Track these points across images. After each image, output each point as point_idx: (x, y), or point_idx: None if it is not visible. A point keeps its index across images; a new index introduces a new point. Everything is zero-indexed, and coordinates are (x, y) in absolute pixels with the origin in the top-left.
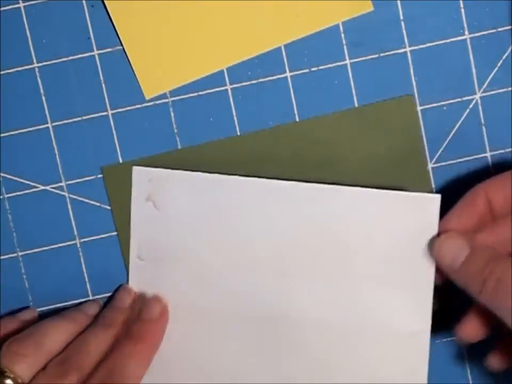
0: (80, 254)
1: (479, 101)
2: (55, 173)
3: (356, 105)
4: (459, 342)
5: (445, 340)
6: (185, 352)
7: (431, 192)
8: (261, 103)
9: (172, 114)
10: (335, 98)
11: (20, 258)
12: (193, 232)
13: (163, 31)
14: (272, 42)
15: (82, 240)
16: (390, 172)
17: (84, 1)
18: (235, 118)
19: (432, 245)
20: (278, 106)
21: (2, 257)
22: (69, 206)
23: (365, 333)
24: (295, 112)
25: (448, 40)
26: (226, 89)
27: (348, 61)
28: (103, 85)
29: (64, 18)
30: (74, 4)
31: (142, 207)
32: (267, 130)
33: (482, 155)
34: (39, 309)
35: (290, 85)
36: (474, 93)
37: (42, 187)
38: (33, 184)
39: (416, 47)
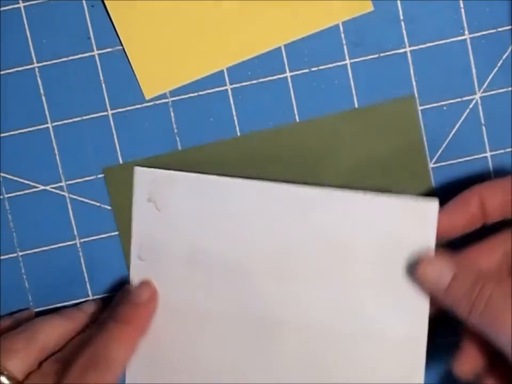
0: (80, 254)
1: (479, 101)
2: (55, 173)
3: (356, 105)
4: (459, 378)
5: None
6: (183, 353)
7: (432, 192)
8: (261, 103)
9: (172, 114)
10: (335, 98)
11: (20, 258)
12: (193, 234)
13: (163, 31)
14: (272, 42)
15: (82, 240)
16: (391, 172)
17: (83, 1)
18: (235, 118)
19: (416, 269)
20: (278, 106)
21: (2, 257)
22: (69, 206)
23: (362, 338)
24: (295, 112)
25: (448, 40)
26: (226, 89)
27: (347, 61)
28: (103, 85)
29: (64, 18)
30: (74, 3)
31: (143, 208)
32: (267, 131)
33: (482, 155)
34: (39, 309)
35: (290, 85)
36: (474, 93)
37: (42, 187)
38: (33, 184)
39: (416, 47)
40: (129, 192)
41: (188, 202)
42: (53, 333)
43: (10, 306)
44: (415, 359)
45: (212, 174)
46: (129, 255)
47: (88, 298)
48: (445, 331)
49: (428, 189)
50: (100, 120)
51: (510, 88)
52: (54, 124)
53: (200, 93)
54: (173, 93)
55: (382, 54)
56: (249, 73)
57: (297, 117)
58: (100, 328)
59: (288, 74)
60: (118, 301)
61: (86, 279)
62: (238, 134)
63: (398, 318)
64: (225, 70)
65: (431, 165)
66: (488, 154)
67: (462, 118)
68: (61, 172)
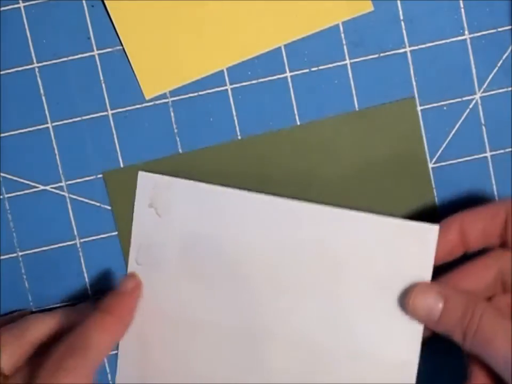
0: (80, 254)
1: (479, 101)
2: (55, 173)
3: (356, 104)
4: None
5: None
6: (174, 360)
7: (432, 192)
8: (261, 103)
9: (172, 114)
10: (335, 98)
11: (20, 258)
12: (191, 242)
13: (163, 31)
14: (272, 42)
15: (82, 240)
16: (391, 172)
17: (83, 1)
18: (235, 118)
19: (406, 301)
20: (278, 106)
21: (2, 257)
22: (69, 206)
23: (353, 358)
24: (295, 112)
25: (448, 40)
26: (226, 89)
27: (347, 61)
28: (103, 85)
29: (64, 18)
30: (74, 3)
31: (144, 212)
32: (267, 134)
33: (482, 155)
34: (39, 309)
35: (290, 85)
36: (474, 93)
37: (42, 187)
38: (33, 184)
39: (416, 47)
40: (129, 194)
41: (187, 209)
42: (44, 329)
43: (10, 306)
44: (406, 381)
45: (213, 180)
46: (128, 255)
47: (88, 298)
48: (436, 351)
49: (428, 189)
50: (100, 120)
51: (510, 88)
52: (54, 123)
53: (200, 93)
54: (173, 93)
55: (382, 54)
56: (249, 73)
57: (297, 117)
58: (82, 318)
59: (288, 74)
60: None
61: (86, 279)
62: (238, 134)
63: (390, 340)
64: (225, 70)
65: (431, 165)
66: (488, 154)
67: (462, 118)
68: (61, 172)
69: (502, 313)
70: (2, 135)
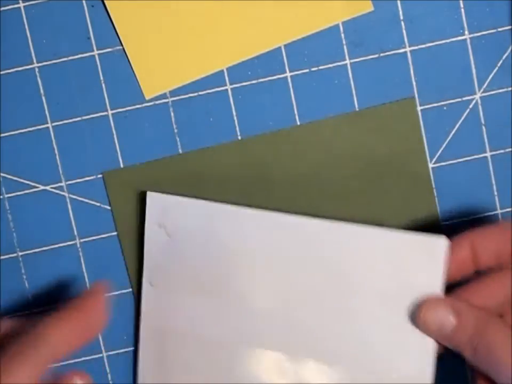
0: (80, 254)
1: (479, 101)
2: (55, 173)
3: (356, 104)
4: None
5: None
6: (185, 378)
7: (432, 191)
8: (261, 103)
9: (172, 114)
10: (335, 98)
11: (20, 258)
12: (202, 262)
13: (163, 31)
14: (272, 42)
15: (82, 240)
16: (391, 173)
17: (83, 1)
18: (235, 118)
19: (417, 314)
20: (278, 106)
21: (2, 257)
22: (69, 206)
23: (365, 373)
24: (295, 112)
25: (448, 40)
26: (226, 89)
27: (347, 61)
28: (103, 85)
29: (64, 18)
30: (74, 3)
31: (154, 233)
32: (267, 134)
33: (482, 155)
34: (39, 309)
35: (290, 85)
36: (474, 93)
37: (42, 187)
38: (33, 184)
39: (416, 47)
40: (129, 195)
41: (196, 229)
42: (6, 330)
43: (10, 306)
44: None
45: (213, 180)
46: (128, 254)
47: None
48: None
49: (428, 189)
50: (100, 120)
51: (510, 88)
52: (54, 123)
53: (200, 93)
54: (173, 93)
55: (382, 54)
56: (249, 73)
57: (297, 117)
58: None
59: (288, 74)
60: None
61: (86, 279)
62: (238, 134)
63: (403, 356)
64: (225, 70)
65: (431, 165)
66: (488, 154)
67: (462, 118)
68: (61, 172)
69: None
70: (2, 135)
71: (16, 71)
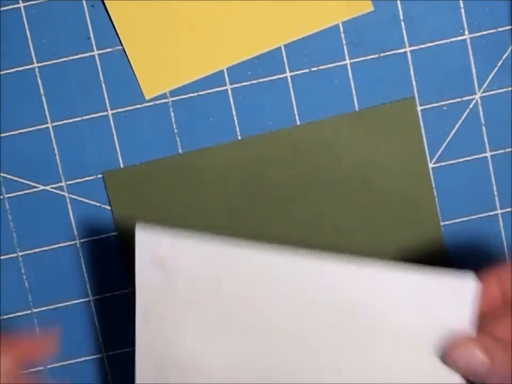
0: (80, 254)
1: (479, 101)
2: (55, 173)
3: (356, 104)
4: None
5: None
6: None
7: (432, 193)
8: (261, 103)
9: (172, 114)
10: (335, 98)
11: (20, 258)
12: (198, 303)
13: (163, 31)
14: (272, 42)
15: (82, 240)
16: (391, 173)
17: (83, 1)
18: (235, 118)
19: (446, 354)
20: (278, 106)
21: (2, 257)
22: (69, 206)
23: None
24: (295, 112)
25: (448, 40)
26: (226, 89)
27: (347, 61)
28: (103, 85)
29: (64, 18)
30: (74, 3)
31: (146, 270)
32: (267, 134)
33: (482, 155)
34: (39, 309)
35: (290, 85)
36: (474, 93)
37: (42, 187)
38: (33, 184)
39: (416, 47)
40: (129, 194)
41: (192, 270)
42: None
43: (10, 306)
44: None
45: (213, 180)
46: (128, 254)
47: (88, 299)
48: None
49: (428, 189)
50: (100, 120)
51: (510, 88)
52: (54, 123)
53: (200, 93)
54: (173, 93)
55: (382, 54)
56: (249, 73)
57: (297, 117)
58: None
59: (288, 74)
60: None
61: (86, 279)
62: (238, 133)
63: None
64: (225, 70)
65: (431, 165)
66: (488, 154)
67: (462, 118)
68: (61, 172)
69: None
70: (2, 135)
71: (16, 71)
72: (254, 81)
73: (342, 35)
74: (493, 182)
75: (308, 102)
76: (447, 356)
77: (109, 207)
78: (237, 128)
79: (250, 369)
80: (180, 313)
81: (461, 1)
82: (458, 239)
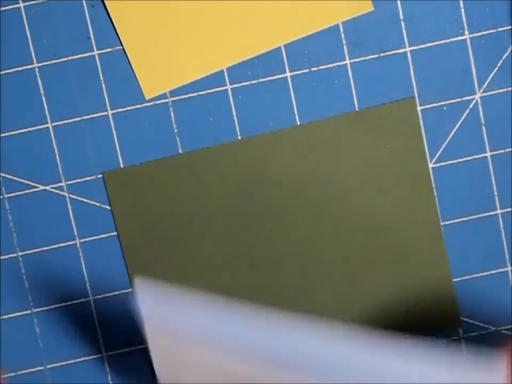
0: (80, 254)
1: (479, 101)
2: (55, 173)
3: (356, 104)
4: None
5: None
6: None
7: (432, 191)
8: (261, 103)
9: (172, 114)
10: (335, 98)
11: (20, 258)
12: (209, 362)
13: (163, 31)
14: (272, 42)
15: (82, 240)
16: (391, 173)
17: (83, 1)
18: (235, 118)
19: None
20: (278, 106)
21: (2, 257)
22: (69, 206)
23: None
24: (295, 111)
25: (448, 40)
26: (226, 89)
27: (347, 61)
28: (103, 85)
29: (64, 18)
30: (74, 3)
31: (154, 327)
32: (267, 134)
33: (482, 155)
34: (39, 309)
35: (290, 85)
36: (474, 93)
37: (42, 187)
38: (33, 184)
39: (416, 47)
40: (129, 195)
41: (199, 329)
42: None
43: (10, 306)
44: None
45: (213, 180)
46: (128, 255)
47: (88, 299)
48: None
49: (428, 189)
50: (100, 120)
51: (510, 88)
52: (54, 123)
53: (200, 93)
54: (173, 93)
55: (382, 54)
56: (249, 73)
57: (297, 117)
58: None
59: (288, 74)
60: None
61: (86, 279)
62: (238, 133)
63: None
64: (225, 70)
65: (431, 165)
66: (488, 154)
67: (462, 118)
68: (61, 172)
69: None
70: (2, 135)
71: (16, 71)
72: (254, 81)
73: (342, 35)
74: (493, 182)
75: (308, 102)
76: None
77: (109, 207)
78: (237, 128)
79: None
80: (189, 369)
81: (461, 1)
82: (458, 239)
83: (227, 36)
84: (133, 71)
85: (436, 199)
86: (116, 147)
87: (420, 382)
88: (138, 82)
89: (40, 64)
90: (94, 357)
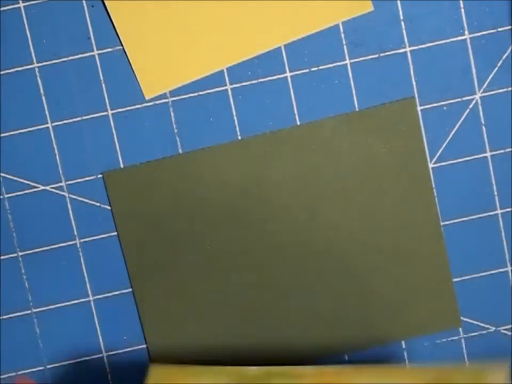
0: (80, 254)
1: (479, 101)
2: (55, 173)
3: (356, 104)
4: None
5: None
6: None
7: (432, 191)
8: (261, 103)
9: (172, 114)
10: (335, 98)
11: (20, 258)
12: None
13: (163, 31)
14: (272, 42)
15: (82, 240)
16: (391, 173)
17: (83, 1)
18: (235, 118)
19: None
20: (278, 106)
21: (2, 257)
22: (69, 206)
23: None
24: (295, 112)
25: (448, 40)
26: (226, 89)
27: (347, 61)
28: (103, 85)
29: (64, 18)
30: (74, 3)
31: None
32: (267, 134)
33: (482, 155)
34: (39, 309)
35: (290, 85)
36: (474, 93)
37: (42, 187)
38: (33, 184)
39: (416, 47)
40: (129, 195)
41: None
42: None
43: (10, 306)
44: None
45: (213, 180)
46: (128, 255)
47: (88, 299)
48: None
49: (428, 189)
50: (100, 120)
51: (510, 88)
52: (54, 123)
53: (200, 93)
54: (173, 93)
55: (382, 54)
56: (249, 73)
57: (297, 117)
58: None
59: (288, 74)
60: None
61: (86, 279)
62: (238, 133)
63: None
64: (225, 70)
65: (431, 165)
66: (488, 154)
67: (462, 118)
68: (61, 172)
69: None
70: (2, 135)
71: (16, 71)
72: (254, 81)
73: (342, 35)
74: (493, 182)
75: (308, 102)
76: None
77: (109, 207)
78: (237, 128)
79: None
80: None
81: (461, 1)
82: (458, 239)
83: (227, 36)
84: (133, 71)
85: (436, 199)
86: (116, 147)
87: None
88: (138, 82)
89: (40, 64)
90: (94, 357)
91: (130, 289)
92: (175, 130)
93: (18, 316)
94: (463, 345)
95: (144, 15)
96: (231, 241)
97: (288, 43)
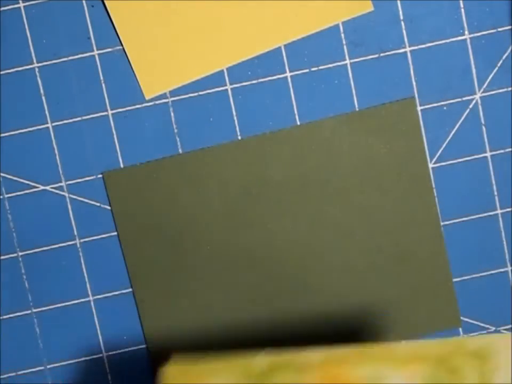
0: (80, 254)
1: (479, 101)
2: (55, 173)
3: (356, 104)
4: None
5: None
6: None
7: (432, 191)
8: (261, 103)
9: (172, 114)
10: (335, 98)
11: (20, 258)
12: None
13: (163, 31)
14: (272, 42)
15: (82, 240)
16: (391, 173)
17: (83, 1)
18: (235, 118)
19: None
20: (278, 106)
21: (2, 257)
22: (69, 206)
23: None
24: (295, 111)
25: (448, 40)
26: (226, 89)
27: (348, 61)
28: (103, 85)
29: (64, 18)
30: (74, 3)
31: None
32: (267, 134)
33: (482, 155)
34: (39, 309)
35: (290, 85)
36: (474, 93)
37: (42, 187)
38: (33, 184)
39: (416, 47)
40: (129, 195)
41: None
42: None
43: (10, 306)
44: None
45: (213, 180)
46: (128, 255)
47: (88, 299)
48: None
49: (428, 189)
50: (100, 120)
51: (510, 88)
52: (54, 123)
53: (200, 93)
54: (173, 93)
55: (382, 54)
56: (249, 73)
57: (297, 117)
58: None
59: (288, 74)
60: None
61: (86, 279)
62: (238, 133)
63: None
64: (225, 70)
65: (431, 165)
66: (488, 154)
67: (462, 118)
68: (61, 172)
69: None
70: (2, 135)
71: (16, 71)
72: (254, 81)
73: (342, 35)
74: (493, 182)
75: (308, 102)
76: None
77: (109, 207)
78: (237, 128)
79: None
80: None
81: (461, 1)
82: (458, 239)
83: (227, 36)
84: (133, 71)
85: (436, 199)
86: (116, 147)
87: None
88: (138, 82)
89: (40, 64)
90: (94, 356)
91: (130, 289)
92: (175, 130)
93: (18, 315)
94: None
95: (144, 15)
96: (231, 241)
97: (288, 43)
